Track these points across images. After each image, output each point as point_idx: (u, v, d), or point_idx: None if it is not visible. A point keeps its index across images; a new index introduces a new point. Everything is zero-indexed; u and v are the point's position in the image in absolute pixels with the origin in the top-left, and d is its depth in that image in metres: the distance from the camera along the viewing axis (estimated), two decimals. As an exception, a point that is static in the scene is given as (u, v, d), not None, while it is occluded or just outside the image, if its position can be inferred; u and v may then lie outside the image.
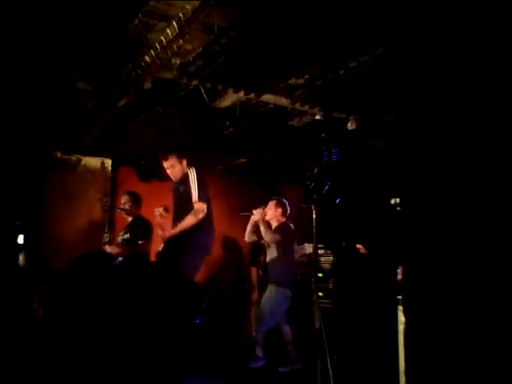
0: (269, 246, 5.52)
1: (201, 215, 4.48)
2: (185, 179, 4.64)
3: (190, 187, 4.54)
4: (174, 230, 4.53)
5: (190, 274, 4.38)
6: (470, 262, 1.23)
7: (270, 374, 5.03)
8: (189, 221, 4.46)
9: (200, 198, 4.49)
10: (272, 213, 5.61)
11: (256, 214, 5.54)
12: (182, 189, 4.66)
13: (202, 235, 4.59)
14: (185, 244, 4.49)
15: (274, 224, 5.61)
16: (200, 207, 4.48)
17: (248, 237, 5.83)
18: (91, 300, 1.39)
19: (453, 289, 1.26)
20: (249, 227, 5.75)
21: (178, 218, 4.65)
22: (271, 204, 5.66)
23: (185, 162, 4.77)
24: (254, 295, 6.80)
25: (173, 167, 4.73)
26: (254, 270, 6.94)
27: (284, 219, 5.65)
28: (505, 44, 1.26)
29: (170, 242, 4.58)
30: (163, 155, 4.72)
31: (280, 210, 5.61)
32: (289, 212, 5.74)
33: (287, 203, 5.74)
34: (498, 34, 1.29)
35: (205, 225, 4.60)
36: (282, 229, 5.52)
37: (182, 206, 4.60)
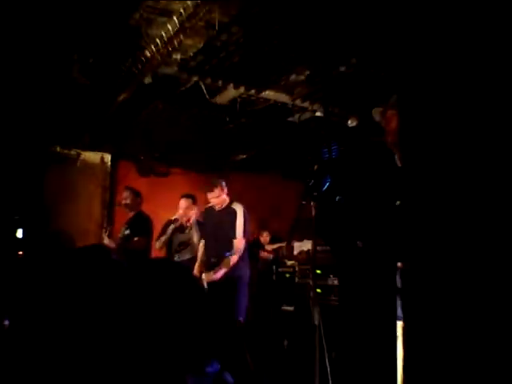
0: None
1: (241, 252, 4.61)
2: (231, 213, 4.66)
3: (235, 222, 4.60)
4: (220, 273, 4.55)
5: (242, 312, 4.45)
6: (471, 261, 1.24)
7: (267, 371, 5.04)
8: (233, 260, 4.55)
9: (244, 235, 4.61)
10: (186, 212, 5.28)
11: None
12: (225, 219, 4.67)
13: (245, 269, 4.70)
14: (234, 283, 4.55)
15: (187, 222, 5.33)
16: (241, 244, 4.59)
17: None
18: (87, 298, 1.38)
19: (453, 287, 1.27)
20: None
21: (214, 246, 4.73)
22: (186, 203, 5.30)
23: (226, 188, 4.75)
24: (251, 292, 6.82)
25: (218, 197, 4.73)
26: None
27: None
28: (505, 44, 1.26)
29: (215, 285, 4.55)
30: (208, 189, 4.71)
31: (195, 211, 5.29)
32: None
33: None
34: (498, 34, 1.29)
35: (244, 257, 4.71)
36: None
37: (221, 236, 4.66)
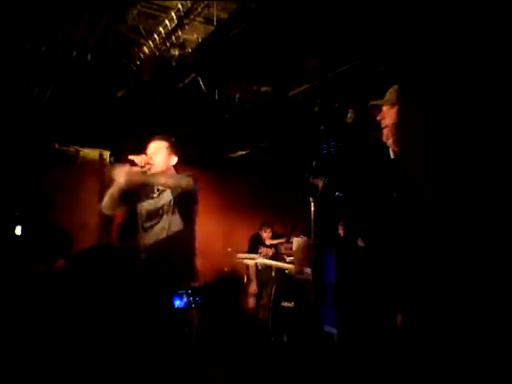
0: None
1: None
2: None
3: None
4: None
5: None
6: (471, 259, 1.23)
7: (265, 364, 5.04)
8: None
9: None
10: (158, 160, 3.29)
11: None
12: None
13: None
14: None
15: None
16: None
17: None
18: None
19: (453, 286, 1.26)
20: None
21: None
22: (156, 146, 3.41)
23: None
24: (252, 287, 6.82)
25: None
26: (251, 262, 6.95)
27: None
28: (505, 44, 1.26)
29: None
30: None
31: (170, 162, 3.41)
32: None
33: None
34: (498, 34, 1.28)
35: None
36: None
37: None
